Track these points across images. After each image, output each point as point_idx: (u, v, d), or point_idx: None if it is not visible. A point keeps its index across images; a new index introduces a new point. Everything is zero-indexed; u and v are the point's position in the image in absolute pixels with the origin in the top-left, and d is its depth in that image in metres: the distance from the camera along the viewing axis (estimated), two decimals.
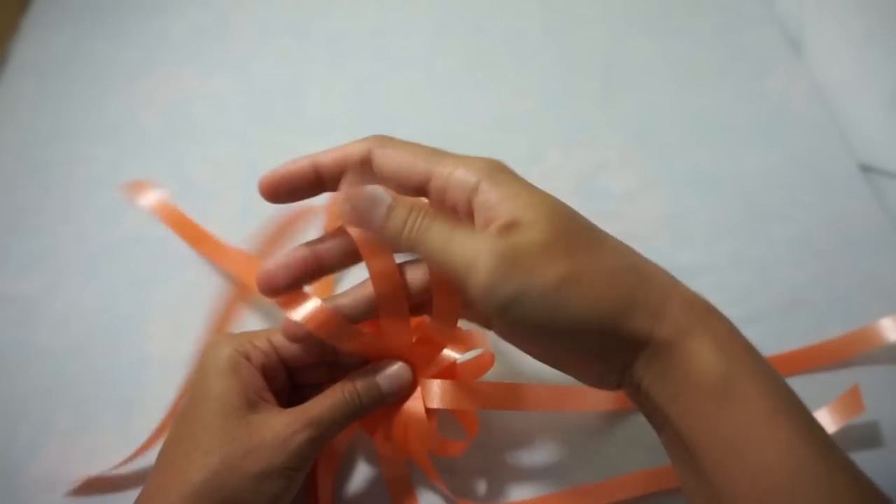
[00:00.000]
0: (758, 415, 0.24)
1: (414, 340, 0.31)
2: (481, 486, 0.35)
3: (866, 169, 0.48)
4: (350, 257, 0.29)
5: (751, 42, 0.55)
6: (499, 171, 0.27)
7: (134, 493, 0.29)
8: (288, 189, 0.29)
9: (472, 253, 0.25)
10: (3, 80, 0.53)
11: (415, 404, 0.31)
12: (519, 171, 0.28)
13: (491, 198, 0.26)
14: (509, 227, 0.25)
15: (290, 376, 0.32)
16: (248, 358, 0.30)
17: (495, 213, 0.26)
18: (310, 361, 0.32)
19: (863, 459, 0.25)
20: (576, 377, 0.28)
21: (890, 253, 0.43)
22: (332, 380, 0.31)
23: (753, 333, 0.27)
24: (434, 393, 0.32)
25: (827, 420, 0.36)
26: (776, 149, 0.48)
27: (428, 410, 0.31)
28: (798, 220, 0.45)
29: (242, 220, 0.45)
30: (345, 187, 0.28)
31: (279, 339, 0.31)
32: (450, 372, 0.33)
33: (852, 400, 0.36)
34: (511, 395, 0.34)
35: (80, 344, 0.40)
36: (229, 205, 0.46)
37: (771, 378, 0.25)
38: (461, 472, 0.35)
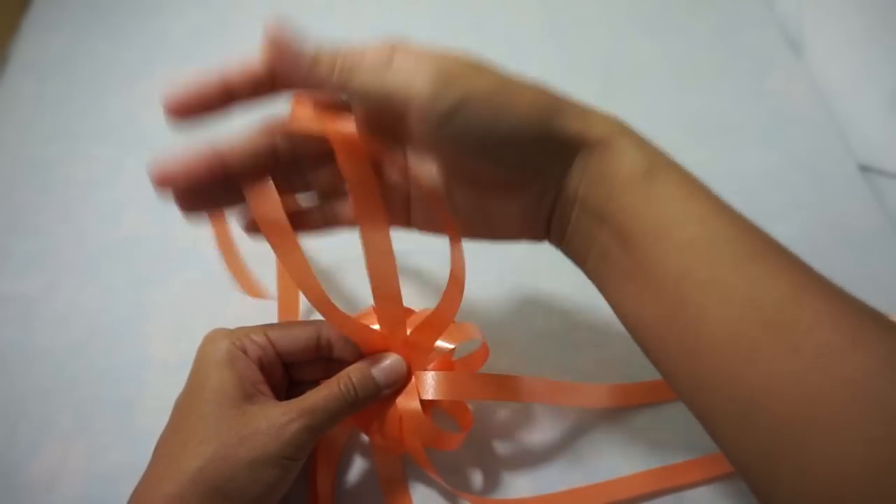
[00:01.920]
0: (678, 197, 0.26)
1: (408, 333, 0.31)
2: (478, 482, 0.35)
3: (866, 169, 0.48)
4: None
5: (751, 42, 0.55)
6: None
7: (131, 485, 0.29)
8: (200, 103, 0.29)
9: (410, 72, 0.25)
10: (3, 80, 0.53)
11: (409, 397, 0.31)
12: None
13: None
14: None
15: (287, 372, 0.33)
16: (244, 351, 0.30)
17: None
18: (305, 357, 0.32)
19: None
20: (509, 221, 0.29)
21: (890, 253, 0.43)
22: (329, 376, 0.31)
23: None
24: (428, 384, 0.32)
25: None
26: (776, 149, 0.48)
27: (423, 405, 0.31)
28: (798, 221, 0.45)
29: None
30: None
31: (276, 334, 0.31)
32: (444, 366, 0.33)
33: None
34: (506, 386, 0.34)
35: (80, 344, 0.40)
36: None
37: (683, 170, 0.27)
38: (458, 468, 0.35)
